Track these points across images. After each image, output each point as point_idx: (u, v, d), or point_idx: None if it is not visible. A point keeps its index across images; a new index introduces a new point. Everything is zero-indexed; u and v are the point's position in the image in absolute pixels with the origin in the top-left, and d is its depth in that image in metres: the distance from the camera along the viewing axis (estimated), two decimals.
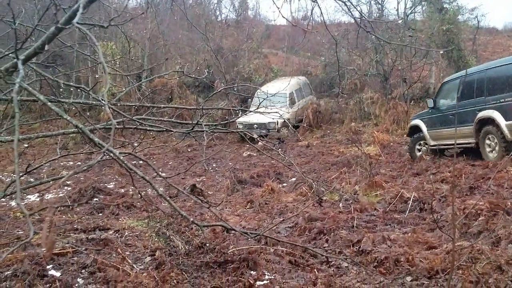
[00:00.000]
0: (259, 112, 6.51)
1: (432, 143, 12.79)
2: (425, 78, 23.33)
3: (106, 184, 13.10)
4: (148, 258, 6.11)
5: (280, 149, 18.27)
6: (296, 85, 22.63)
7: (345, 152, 16.20)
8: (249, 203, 9.22)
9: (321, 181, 10.13)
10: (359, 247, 5.81)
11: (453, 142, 11.83)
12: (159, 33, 25.36)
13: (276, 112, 6.79)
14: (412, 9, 23.41)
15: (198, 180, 14.23)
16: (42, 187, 13.26)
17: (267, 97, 6.65)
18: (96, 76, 23.29)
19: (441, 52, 19.55)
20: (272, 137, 19.23)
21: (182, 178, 14.66)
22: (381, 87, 22.36)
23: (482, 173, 9.34)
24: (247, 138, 6.65)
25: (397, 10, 24.27)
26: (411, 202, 7.46)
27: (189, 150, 19.45)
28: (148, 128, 5.49)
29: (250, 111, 8.50)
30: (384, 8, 24.43)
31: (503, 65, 10.92)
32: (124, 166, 3.74)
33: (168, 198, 3.92)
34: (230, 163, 16.69)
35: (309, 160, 15.60)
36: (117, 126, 5.10)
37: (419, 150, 13.41)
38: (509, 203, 6.68)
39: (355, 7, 6.64)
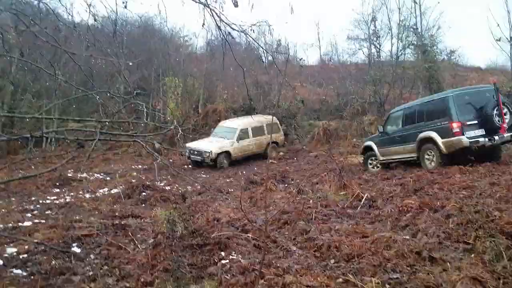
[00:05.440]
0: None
1: (381, 158, 12.95)
2: None
3: (159, 182, 13.06)
4: (151, 240, 6.04)
5: (295, 158, 18.16)
6: (256, 122, 18.93)
7: (343, 161, 15.74)
8: (249, 199, 9.04)
9: (309, 183, 9.83)
10: (308, 235, 5.56)
11: (398, 157, 12.23)
12: (213, 71, 25.74)
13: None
14: (401, 51, 22.87)
15: (227, 180, 14.13)
16: (111, 183, 13.54)
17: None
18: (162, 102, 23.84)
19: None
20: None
21: (216, 179, 14.63)
22: (378, 111, 21.84)
23: (432, 179, 8.82)
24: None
25: (391, 51, 23.76)
26: (363, 201, 7.10)
27: None
28: None
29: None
30: (380, 50, 23.95)
31: (438, 98, 11.26)
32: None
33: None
34: (255, 168, 16.58)
35: (314, 167, 15.29)
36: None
37: (371, 164, 13.47)
38: (438, 203, 6.26)
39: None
